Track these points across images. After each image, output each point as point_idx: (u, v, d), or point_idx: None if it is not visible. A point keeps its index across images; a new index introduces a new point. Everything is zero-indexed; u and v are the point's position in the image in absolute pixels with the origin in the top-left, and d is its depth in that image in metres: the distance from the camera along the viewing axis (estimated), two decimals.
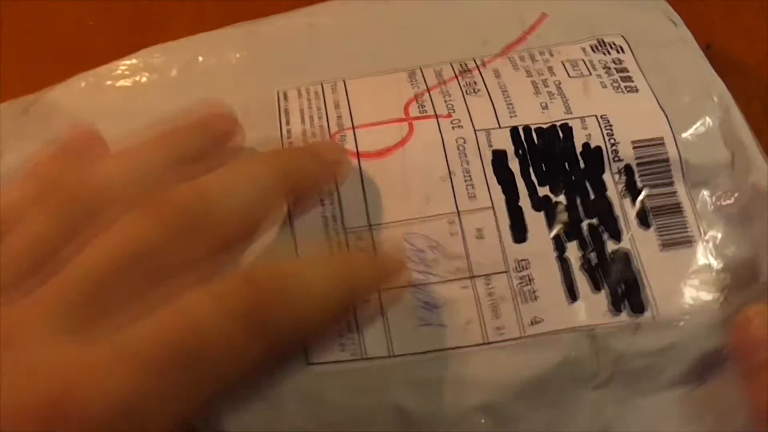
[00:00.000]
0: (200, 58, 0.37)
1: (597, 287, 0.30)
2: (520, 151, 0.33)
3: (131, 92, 0.36)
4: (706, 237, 0.31)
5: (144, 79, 0.37)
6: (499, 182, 0.32)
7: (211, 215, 0.26)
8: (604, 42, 0.36)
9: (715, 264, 0.30)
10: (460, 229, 0.31)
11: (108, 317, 0.24)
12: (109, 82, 0.37)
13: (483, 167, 0.32)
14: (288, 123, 0.35)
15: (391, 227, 0.32)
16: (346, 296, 0.27)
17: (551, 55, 0.36)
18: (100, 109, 0.36)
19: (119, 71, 0.37)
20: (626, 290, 0.30)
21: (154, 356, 0.23)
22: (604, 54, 0.36)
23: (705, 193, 0.32)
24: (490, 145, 0.33)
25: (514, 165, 0.32)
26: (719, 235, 0.31)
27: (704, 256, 0.31)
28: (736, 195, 0.32)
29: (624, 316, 0.30)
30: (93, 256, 0.24)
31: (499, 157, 0.33)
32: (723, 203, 0.32)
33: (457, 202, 0.32)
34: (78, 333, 0.23)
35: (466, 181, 0.32)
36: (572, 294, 0.30)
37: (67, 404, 0.22)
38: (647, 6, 0.38)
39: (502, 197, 0.32)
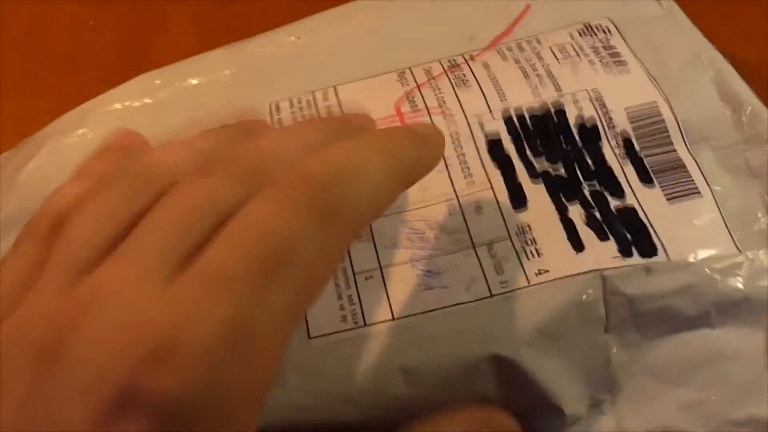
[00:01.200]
0: (191, 80, 0.38)
1: (603, 237, 0.30)
2: (514, 135, 0.33)
3: (122, 115, 0.37)
4: (713, 188, 0.30)
5: (137, 103, 0.37)
6: (497, 167, 0.32)
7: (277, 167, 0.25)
8: (590, 26, 0.36)
9: (724, 212, 0.30)
10: (459, 209, 0.31)
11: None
12: (105, 108, 0.37)
13: (479, 154, 0.32)
14: None
15: (390, 217, 0.32)
16: (400, 177, 0.26)
17: (539, 42, 0.36)
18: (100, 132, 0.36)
19: (114, 96, 0.38)
20: (635, 238, 0.29)
21: (241, 271, 0.22)
22: (592, 37, 0.36)
23: (707, 148, 0.32)
24: (484, 133, 0.33)
25: (510, 148, 0.32)
26: (726, 186, 0.31)
27: (712, 205, 0.30)
28: (740, 147, 0.32)
29: (635, 259, 0.29)
30: (168, 210, 0.24)
31: (493, 143, 0.33)
32: (727, 156, 0.31)
33: (455, 188, 0.32)
34: (168, 281, 0.22)
35: (463, 170, 0.32)
36: (578, 245, 0.29)
37: (174, 345, 0.20)
38: None
39: (500, 177, 0.32)
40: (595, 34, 0.36)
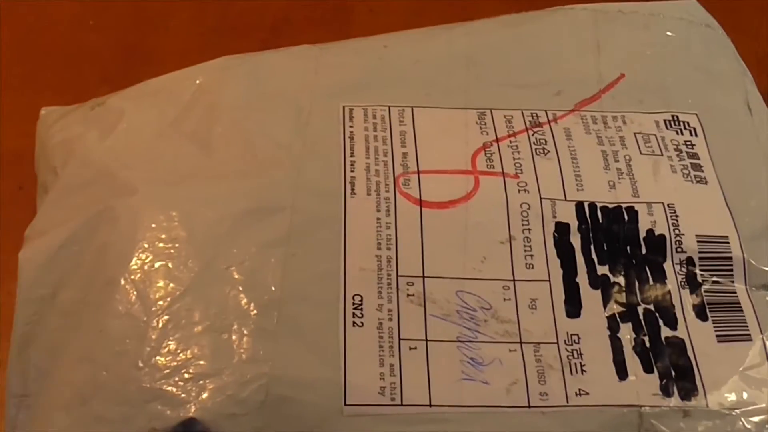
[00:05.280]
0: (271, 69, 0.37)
1: (648, 369, 0.31)
2: (583, 227, 0.33)
3: (198, 93, 0.36)
4: (766, 336, 0.31)
5: (214, 82, 0.37)
6: (559, 256, 0.33)
7: None
8: (678, 119, 0.36)
9: None
10: (514, 296, 0.32)
11: None
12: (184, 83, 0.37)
13: (544, 237, 0.33)
14: (352, 154, 0.34)
15: (444, 281, 0.32)
16: None
17: (624, 123, 0.36)
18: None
19: (196, 72, 0.37)
20: (678, 375, 0.31)
21: None
22: (677, 133, 0.36)
23: (767, 295, 0.32)
24: (554, 216, 0.33)
25: (575, 240, 0.33)
26: None
27: (762, 354, 0.31)
28: None
29: (674, 400, 0.30)
30: None
31: (561, 230, 0.33)
32: None
33: (514, 269, 0.32)
34: None
35: (525, 249, 0.32)
36: (622, 372, 0.31)
37: None
38: (729, 84, 0.38)
39: (560, 272, 0.32)
40: (681, 132, 0.36)
